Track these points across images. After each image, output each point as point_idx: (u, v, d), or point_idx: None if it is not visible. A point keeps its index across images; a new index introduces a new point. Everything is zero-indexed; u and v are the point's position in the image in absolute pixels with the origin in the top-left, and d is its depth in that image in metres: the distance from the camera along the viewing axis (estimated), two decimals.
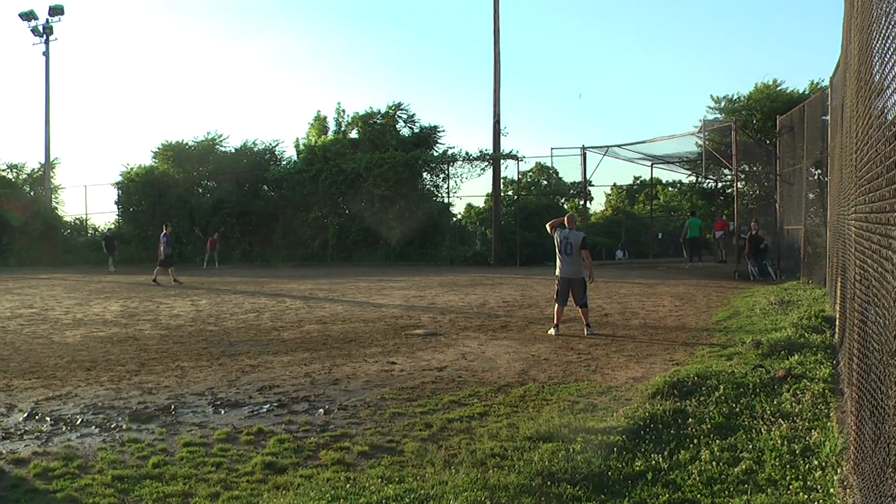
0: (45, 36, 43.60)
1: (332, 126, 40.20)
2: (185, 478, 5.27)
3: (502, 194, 36.34)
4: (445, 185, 36.41)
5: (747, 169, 31.32)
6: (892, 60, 3.27)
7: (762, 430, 5.91)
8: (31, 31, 43.56)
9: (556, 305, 12.09)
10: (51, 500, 4.88)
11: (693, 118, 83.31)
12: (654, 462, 5.30)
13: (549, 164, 44.51)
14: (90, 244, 36.31)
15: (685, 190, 42.27)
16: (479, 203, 43.50)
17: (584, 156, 31.37)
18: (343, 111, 39.97)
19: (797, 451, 5.36)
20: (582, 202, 35.63)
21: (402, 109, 38.65)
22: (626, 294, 18.22)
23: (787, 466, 5.11)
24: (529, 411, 6.98)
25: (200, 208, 39.25)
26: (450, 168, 35.91)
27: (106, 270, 32.04)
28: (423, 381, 8.49)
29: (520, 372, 8.97)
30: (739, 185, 28.23)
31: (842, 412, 6.17)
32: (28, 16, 43.33)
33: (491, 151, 34.85)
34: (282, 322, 13.91)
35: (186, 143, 41.11)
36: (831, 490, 4.60)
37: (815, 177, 18.94)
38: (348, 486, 4.96)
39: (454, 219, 38.87)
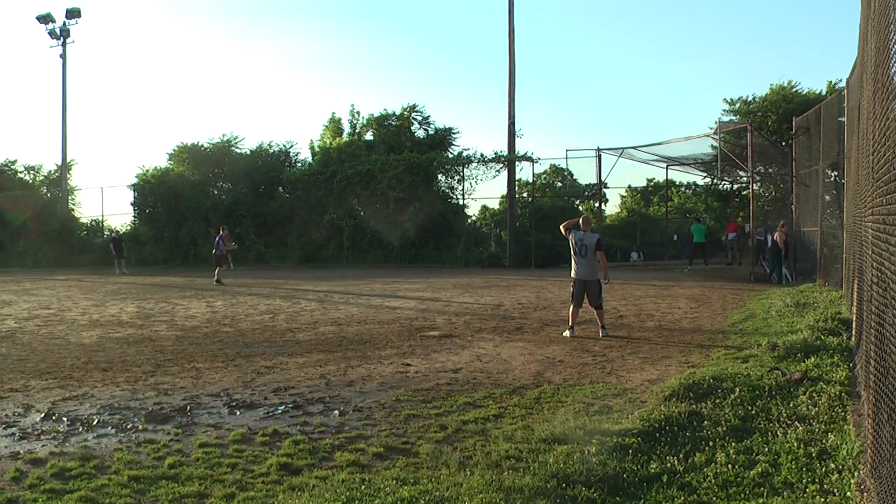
0: (62, 38, 43.88)
1: (346, 128, 40.28)
2: (201, 478, 5.29)
3: (517, 196, 36.30)
4: (460, 187, 36.48)
5: (763, 171, 31.17)
6: None
7: (778, 432, 5.88)
8: (49, 33, 43.84)
9: (572, 307, 12.07)
10: (68, 500, 4.91)
11: (708, 120, 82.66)
12: (669, 464, 5.29)
13: (563, 166, 44.48)
14: (106, 245, 36.61)
15: (700, 192, 42.11)
16: (494, 205, 43.44)
17: (598, 157, 31.31)
18: (358, 113, 40.09)
19: (813, 455, 5.32)
20: (597, 204, 35.57)
21: (416, 111, 38.70)
22: (641, 296, 18.17)
23: (804, 469, 5.08)
24: (544, 413, 6.97)
25: (215, 210, 39.39)
26: (465, 170, 35.94)
27: (113, 273, 32.21)
28: (438, 383, 8.50)
29: (535, 374, 8.96)
30: (755, 187, 28.10)
31: (858, 415, 6.14)
32: (45, 18, 43.61)
33: (506, 153, 34.84)
34: (297, 323, 13.95)
35: (202, 145, 41.34)
36: (848, 493, 4.58)
37: (832, 178, 18.82)
38: (363, 487, 4.97)
39: (469, 220, 38.85)
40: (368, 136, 39.24)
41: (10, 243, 40.07)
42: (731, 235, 31.06)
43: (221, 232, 25.29)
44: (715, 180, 38.01)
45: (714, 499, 4.73)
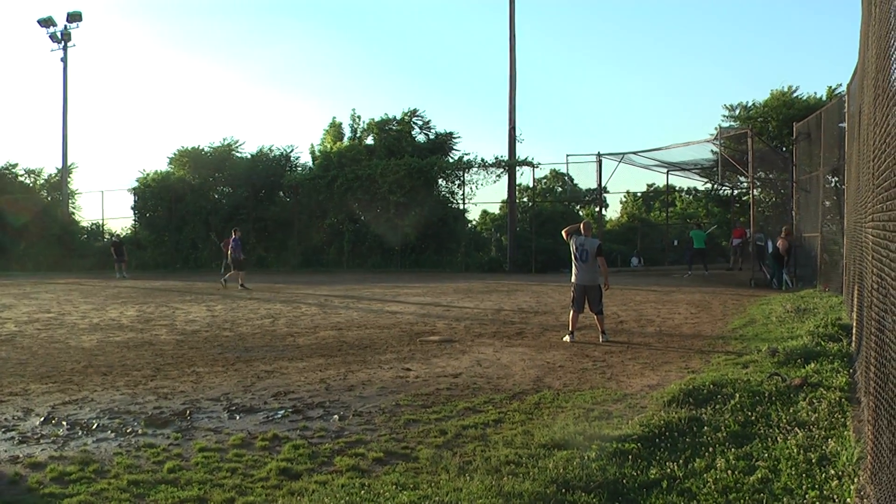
0: (63, 42, 43.99)
1: (347, 132, 40.28)
2: (201, 483, 5.28)
3: (518, 201, 36.35)
4: (461, 192, 36.53)
5: (763, 176, 31.16)
6: None
7: (778, 438, 5.88)
8: (50, 37, 43.94)
9: (572, 312, 12.07)
10: None
11: (708, 125, 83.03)
12: (669, 470, 5.28)
13: (564, 171, 44.68)
14: (107, 249, 36.67)
15: (700, 197, 42.12)
16: (495, 209, 43.59)
17: (599, 163, 31.31)
18: (358, 117, 40.08)
19: (813, 461, 5.32)
20: (597, 209, 35.58)
21: (417, 116, 38.69)
22: (641, 301, 18.17)
23: (804, 475, 5.07)
24: (544, 418, 6.97)
25: (216, 214, 39.42)
26: (465, 174, 35.98)
27: (113, 276, 32.19)
28: (438, 388, 8.49)
29: (535, 379, 8.95)
30: (755, 193, 28.10)
31: (859, 421, 6.13)
32: (47, 22, 43.72)
33: (506, 158, 34.90)
34: (297, 328, 13.95)
35: (202, 149, 41.35)
36: (848, 500, 4.57)
37: (832, 184, 18.82)
38: (363, 492, 4.96)
39: (469, 225, 38.89)
40: (369, 140, 39.24)
41: (11, 246, 40.09)
42: (736, 241, 31.04)
43: (235, 234, 24.93)
44: (715, 186, 38.02)
45: None
